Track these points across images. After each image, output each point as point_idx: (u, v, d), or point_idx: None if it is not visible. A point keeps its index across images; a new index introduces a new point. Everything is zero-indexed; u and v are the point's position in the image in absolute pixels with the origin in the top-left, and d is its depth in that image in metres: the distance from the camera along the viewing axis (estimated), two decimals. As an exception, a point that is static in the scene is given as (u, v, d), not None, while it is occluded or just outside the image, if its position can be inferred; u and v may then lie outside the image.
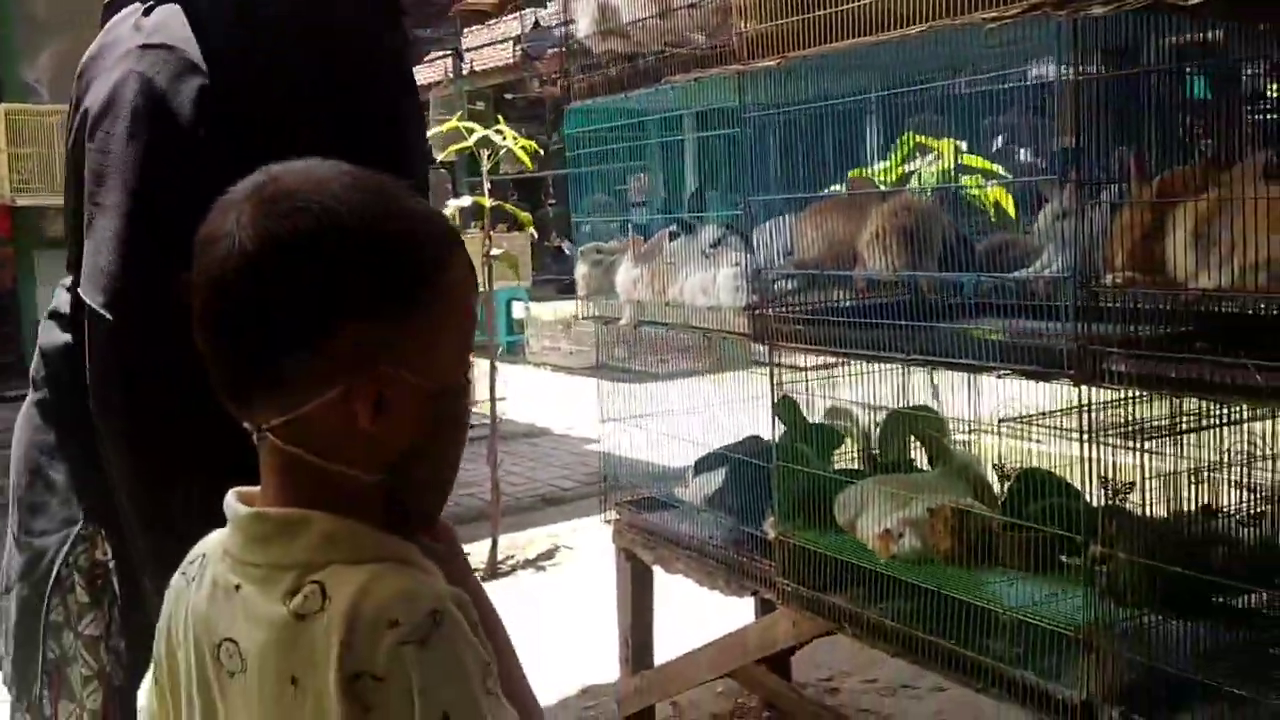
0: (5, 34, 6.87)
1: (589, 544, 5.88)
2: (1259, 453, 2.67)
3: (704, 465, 3.38)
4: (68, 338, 1.65)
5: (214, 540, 1.13)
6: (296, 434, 1.03)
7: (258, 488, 1.11)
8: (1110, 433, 2.39)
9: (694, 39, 3.25)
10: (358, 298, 1.01)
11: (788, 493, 2.91)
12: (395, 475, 1.07)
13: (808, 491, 2.91)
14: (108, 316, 1.44)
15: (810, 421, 3.21)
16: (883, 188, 3.78)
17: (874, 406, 3.37)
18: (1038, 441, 3.20)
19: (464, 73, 11.13)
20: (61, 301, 1.68)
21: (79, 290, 1.50)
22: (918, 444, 3.35)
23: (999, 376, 2.37)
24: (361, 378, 1.02)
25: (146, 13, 1.55)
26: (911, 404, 3.32)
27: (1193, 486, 2.59)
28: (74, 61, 6.29)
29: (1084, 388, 2.20)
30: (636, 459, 3.75)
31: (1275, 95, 2.66)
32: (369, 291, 1.01)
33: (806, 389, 3.24)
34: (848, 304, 2.77)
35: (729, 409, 4.06)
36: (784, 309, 2.84)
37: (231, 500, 1.10)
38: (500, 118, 6.82)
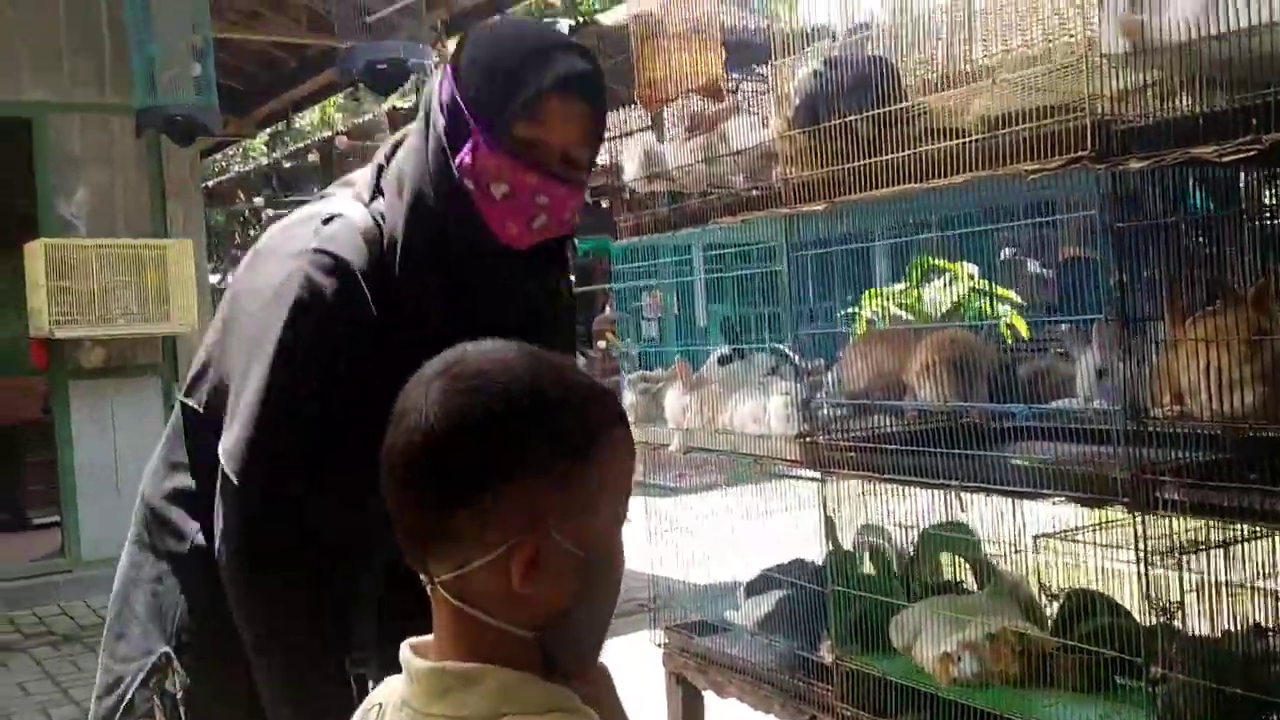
0: (42, 170, 7.08)
1: (630, 663, 5.88)
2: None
3: (755, 588, 3.46)
4: (170, 484, 1.74)
5: (391, 691, 1.22)
6: (463, 589, 1.13)
7: (428, 637, 1.21)
8: (1162, 555, 2.48)
9: (735, 182, 3.43)
10: (525, 466, 1.12)
11: (844, 616, 2.99)
12: (549, 632, 1.17)
13: (863, 615, 2.98)
14: (236, 483, 1.55)
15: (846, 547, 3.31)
16: (907, 316, 3.96)
17: (906, 525, 3.48)
18: (1074, 561, 3.29)
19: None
20: (175, 440, 1.76)
21: (218, 449, 1.60)
22: (957, 560, 3.45)
23: (1054, 503, 2.47)
24: (522, 539, 1.11)
25: (326, 221, 1.64)
26: (944, 520, 3.42)
27: (1240, 602, 2.67)
28: (109, 196, 6.45)
29: (1137, 514, 2.29)
30: (678, 579, 3.82)
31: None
32: (535, 461, 1.12)
33: (847, 505, 3.34)
34: (899, 430, 2.88)
35: (755, 520, 4.16)
36: (836, 436, 2.95)
37: (407, 653, 1.20)
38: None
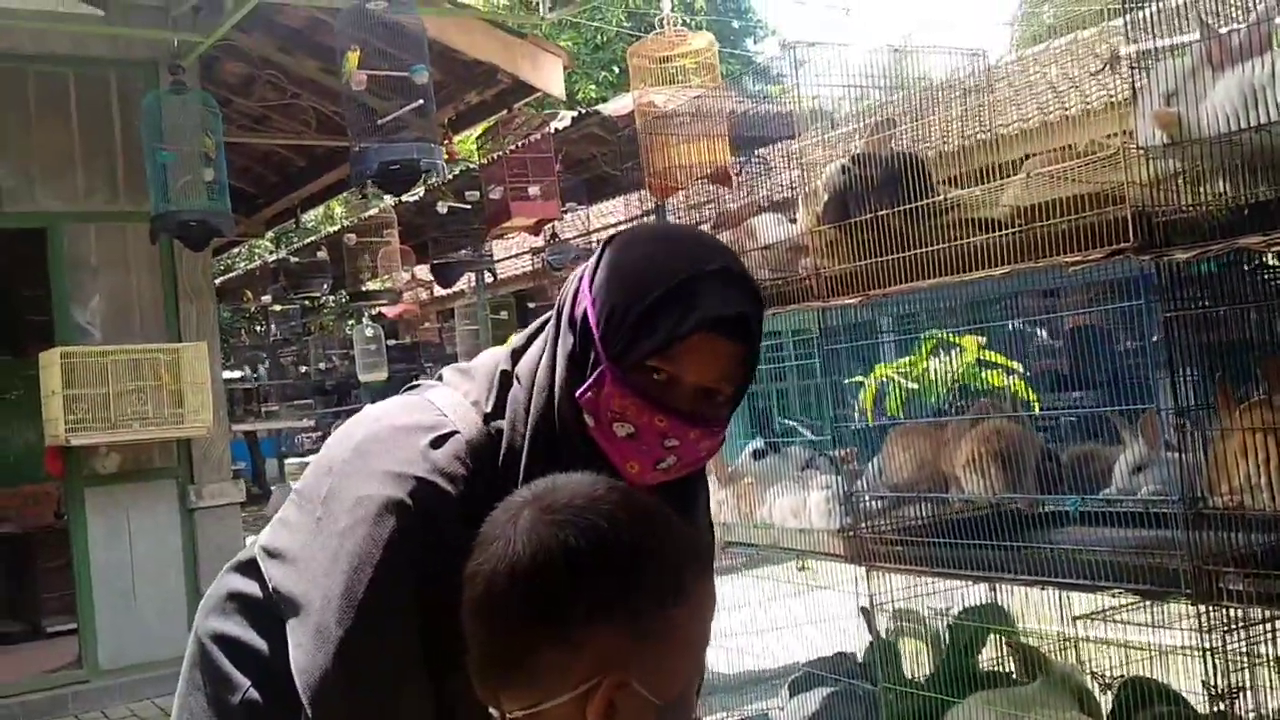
0: (58, 278, 7.11)
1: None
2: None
3: (799, 686, 3.41)
4: (225, 628, 1.61)
5: None
6: None
7: None
8: (1221, 638, 2.45)
9: (760, 275, 3.44)
10: (609, 611, 1.09)
11: (895, 713, 2.94)
12: None
13: (915, 711, 2.93)
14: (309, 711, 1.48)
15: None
16: (912, 385, 3.95)
17: (942, 612, 3.44)
18: (1120, 641, 3.25)
19: (486, 283, 11.48)
20: (241, 584, 1.63)
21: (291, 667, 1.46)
22: (1002, 646, 3.40)
23: (1113, 596, 2.44)
24: (602, 684, 1.08)
25: (437, 443, 1.46)
26: (977, 604, 3.39)
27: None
28: (125, 302, 6.43)
29: (1201, 606, 2.26)
30: (718, 670, 3.78)
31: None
32: (620, 606, 1.09)
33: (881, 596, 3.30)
34: (943, 521, 2.85)
35: (783, 603, 4.10)
36: (879, 530, 2.93)
37: None
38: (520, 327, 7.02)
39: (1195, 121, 2.15)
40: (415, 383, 1.69)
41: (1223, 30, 2.16)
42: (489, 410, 1.51)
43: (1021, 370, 4.04)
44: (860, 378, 3.76)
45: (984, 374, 3.97)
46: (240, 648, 1.58)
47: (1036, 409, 3.87)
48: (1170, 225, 2.23)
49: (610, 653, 1.08)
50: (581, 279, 1.45)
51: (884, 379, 3.80)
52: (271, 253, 15.90)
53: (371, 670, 1.43)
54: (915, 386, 3.92)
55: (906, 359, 4.03)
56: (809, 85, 3.23)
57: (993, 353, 3.90)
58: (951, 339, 4.02)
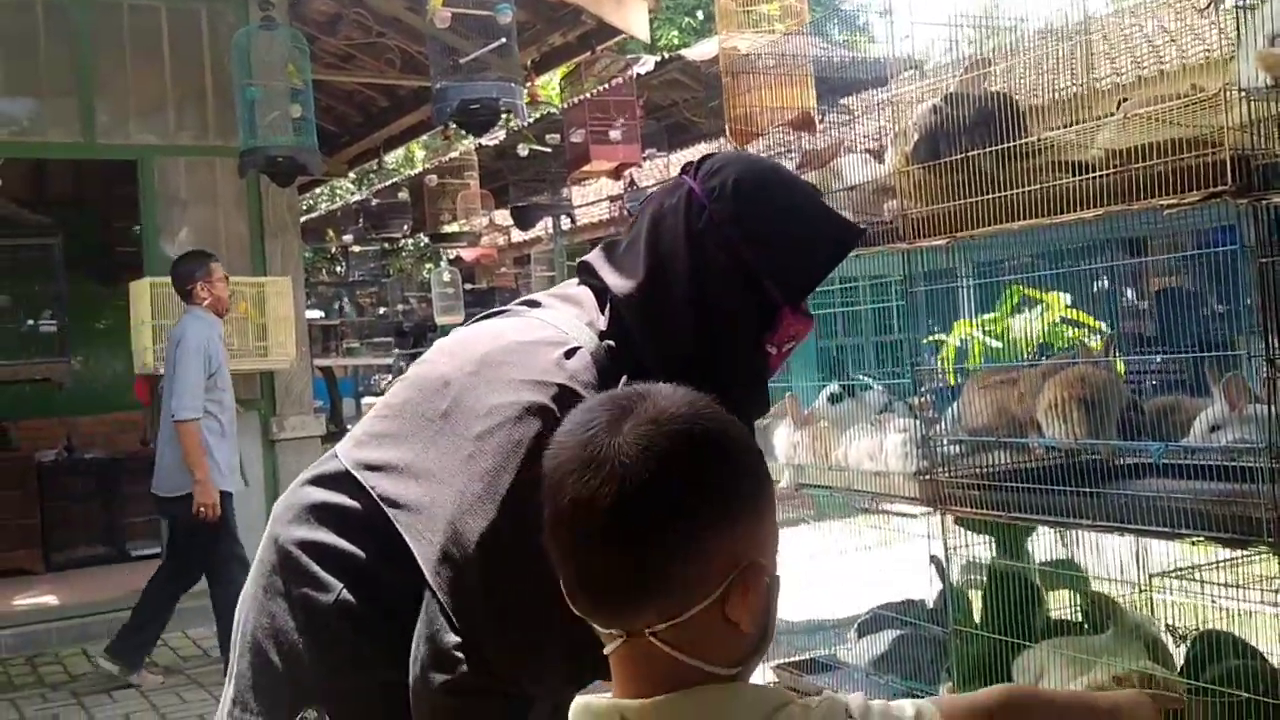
0: (148, 210, 7.27)
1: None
2: None
3: (867, 628, 3.43)
4: (313, 535, 1.59)
5: None
6: (676, 636, 1.11)
7: (605, 696, 1.20)
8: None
9: (846, 216, 3.42)
10: (731, 509, 1.12)
11: (965, 656, 2.95)
12: (743, 664, 1.18)
13: (984, 655, 2.94)
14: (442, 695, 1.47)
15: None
16: (995, 343, 3.91)
17: (1018, 564, 3.43)
18: (1193, 599, 3.21)
19: (564, 229, 11.52)
20: (325, 495, 1.62)
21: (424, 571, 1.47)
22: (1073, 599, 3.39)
23: (1193, 543, 2.41)
24: (734, 579, 1.10)
25: (569, 354, 1.53)
26: (1051, 559, 3.37)
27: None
28: (212, 235, 6.58)
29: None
30: (784, 616, 3.80)
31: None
32: (738, 501, 1.13)
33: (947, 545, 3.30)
34: (1021, 468, 2.84)
35: (850, 556, 4.10)
36: (957, 474, 2.92)
37: (603, 703, 1.19)
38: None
39: (1302, 62, 2.10)
40: (504, 309, 1.71)
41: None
42: (603, 329, 1.57)
43: (1106, 330, 3.98)
44: (940, 335, 3.73)
45: (1068, 332, 3.92)
46: (330, 553, 1.57)
47: (1121, 370, 3.83)
48: (1269, 169, 2.19)
49: (738, 549, 1.12)
50: (703, 218, 1.55)
51: (966, 337, 3.77)
52: (353, 193, 16.08)
53: (515, 565, 1.42)
54: (999, 345, 3.89)
55: (989, 315, 4.00)
56: (900, 30, 3.20)
57: (1078, 311, 3.85)
58: (1035, 295, 3.98)
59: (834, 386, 3.42)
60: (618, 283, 1.59)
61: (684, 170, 1.63)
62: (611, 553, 1.12)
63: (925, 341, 3.59)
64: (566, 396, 1.47)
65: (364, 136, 10.38)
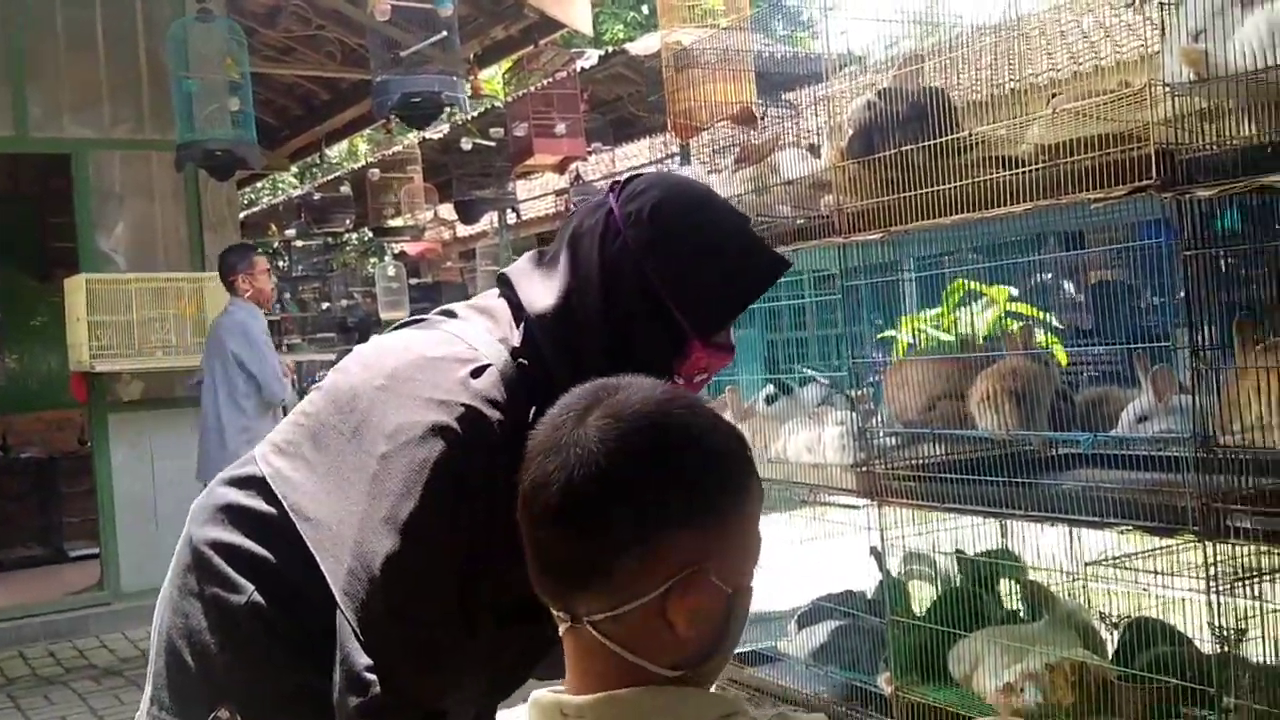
0: (83, 205, 7.15)
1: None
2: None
3: (807, 619, 3.45)
4: (225, 537, 1.59)
5: None
6: (614, 629, 1.11)
7: (557, 685, 1.21)
8: (1229, 582, 2.47)
9: (782, 211, 3.45)
10: (689, 507, 1.11)
11: (902, 646, 2.98)
12: (688, 669, 1.17)
13: (921, 645, 2.97)
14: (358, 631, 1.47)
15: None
16: (944, 337, 3.95)
17: (954, 554, 3.48)
18: (1128, 588, 3.27)
19: (509, 224, 11.47)
20: (241, 498, 1.62)
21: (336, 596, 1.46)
22: (1010, 588, 3.43)
23: (1121, 532, 2.45)
24: (682, 582, 1.10)
25: (477, 374, 1.50)
26: (988, 549, 3.42)
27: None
28: (149, 230, 6.46)
29: (1207, 543, 2.28)
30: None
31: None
32: (700, 503, 1.11)
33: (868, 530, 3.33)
34: (956, 459, 2.87)
35: (792, 549, 4.12)
36: (893, 465, 2.95)
37: (550, 696, 1.19)
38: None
39: (1222, 59, 2.14)
40: (421, 317, 1.70)
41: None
42: (516, 346, 1.55)
43: (1049, 321, 4.04)
44: (890, 332, 3.76)
45: (1014, 325, 3.97)
46: (242, 555, 1.57)
47: (1064, 361, 3.88)
48: (1193, 164, 2.23)
49: (690, 551, 1.10)
50: (620, 239, 1.54)
51: (915, 331, 3.80)
52: (295, 188, 15.90)
53: (421, 590, 1.44)
54: (949, 338, 3.93)
55: (935, 310, 4.04)
56: (839, 26, 3.22)
57: (1023, 304, 3.90)
58: (979, 288, 4.02)
59: (770, 388, 3.43)
60: (532, 300, 1.57)
61: (610, 188, 1.61)
62: (558, 536, 1.12)
63: (879, 338, 3.61)
64: (471, 416, 1.46)
65: (305, 130, 10.27)
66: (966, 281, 3.98)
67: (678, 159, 9.02)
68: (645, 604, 1.10)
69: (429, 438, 1.45)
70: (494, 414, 1.47)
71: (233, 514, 1.61)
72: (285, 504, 1.54)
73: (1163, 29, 2.28)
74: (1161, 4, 2.28)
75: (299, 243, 13.79)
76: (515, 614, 1.33)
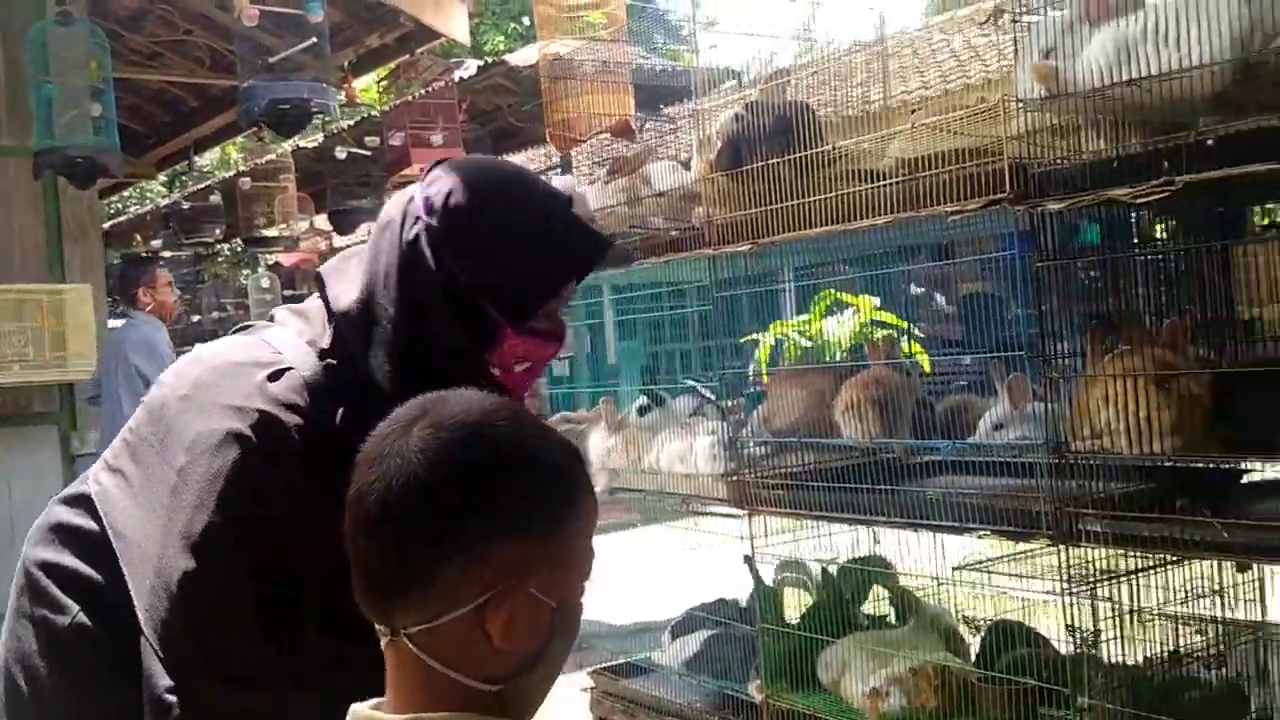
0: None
1: (556, 709, 5.81)
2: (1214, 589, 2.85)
3: (680, 629, 3.46)
4: (53, 556, 1.54)
5: None
6: (430, 641, 1.10)
7: (378, 701, 1.18)
8: (1083, 584, 2.55)
9: (655, 223, 3.46)
10: (510, 520, 1.10)
11: (772, 654, 3.00)
12: (509, 684, 1.16)
13: (791, 652, 3.00)
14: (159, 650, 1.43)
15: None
16: (806, 343, 4.02)
17: (827, 561, 3.53)
18: (994, 591, 3.36)
19: (385, 236, 11.28)
20: (71, 516, 1.57)
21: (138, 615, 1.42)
22: (879, 593, 3.49)
23: (979, 537, 2.51)
24: (500, 594, 1.09)
25: (274, 377, 1.46)
26: (865, 555, 3.47)
27: (1159, 629, 2.75)
28: (4, 240, 6.20)
29: (1061, 547, 2.35)
30: (600, 620, 3.81)
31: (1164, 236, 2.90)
32: (521, 514, 1.11)
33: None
34: (825, 467, 2.91)
35: (674, 559, 4.13)
36: (762, 474, 2.97)
37: (366, 712, 1.17)
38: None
39: (1071, 76, 2.21)
40: (247, 323, 1.67)
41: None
42: (325, 347, 1.51)
43: (912, 330, 4.13)
44: (756, 335, 3.81)
45: (878, 334, 4.05)
46: (69, 575, 1.53)
47: (927, 366, 3.97)
48: (1045, 177, 2.29)
49: (510, 563, 1.09)
50: (416, 232, 1.47)
51: (781, 337, 3.86)
52: (164, 196, 15.43)
53: (218, 605, 1.40)
54: (810, 344, 3.99)
55: (803, 317, 4.10)
56: (708, 41, 3.25)
57: (887, 314, 3.98)
58: (846, 298, 4.10)
59: (642, 399, 3.44)
60: (337, 297, 1.52)
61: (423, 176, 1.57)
62: (376, 546, 1.11)
63: (743, 340, 3.64)
64: (266, 421, 1.42)
65: (173, 137, 9.96)
66: (835, 291, 4.06)
67: (559, 170, 9.01)
68: (462, 615, 1.09)
69: (223, 446, 1.42)
70: (292, 419, 1.43)
71: (63, 533, 1.56)
72: (105, 521, 1.50)
73: (1015, 46, 2.34)
74: (1014, 21, 2.35)
75: (167, 253, 13.40)
76: (348, 630, 1.29)
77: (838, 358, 3.73)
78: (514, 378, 1.54)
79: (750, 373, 3.68)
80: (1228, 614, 2.86)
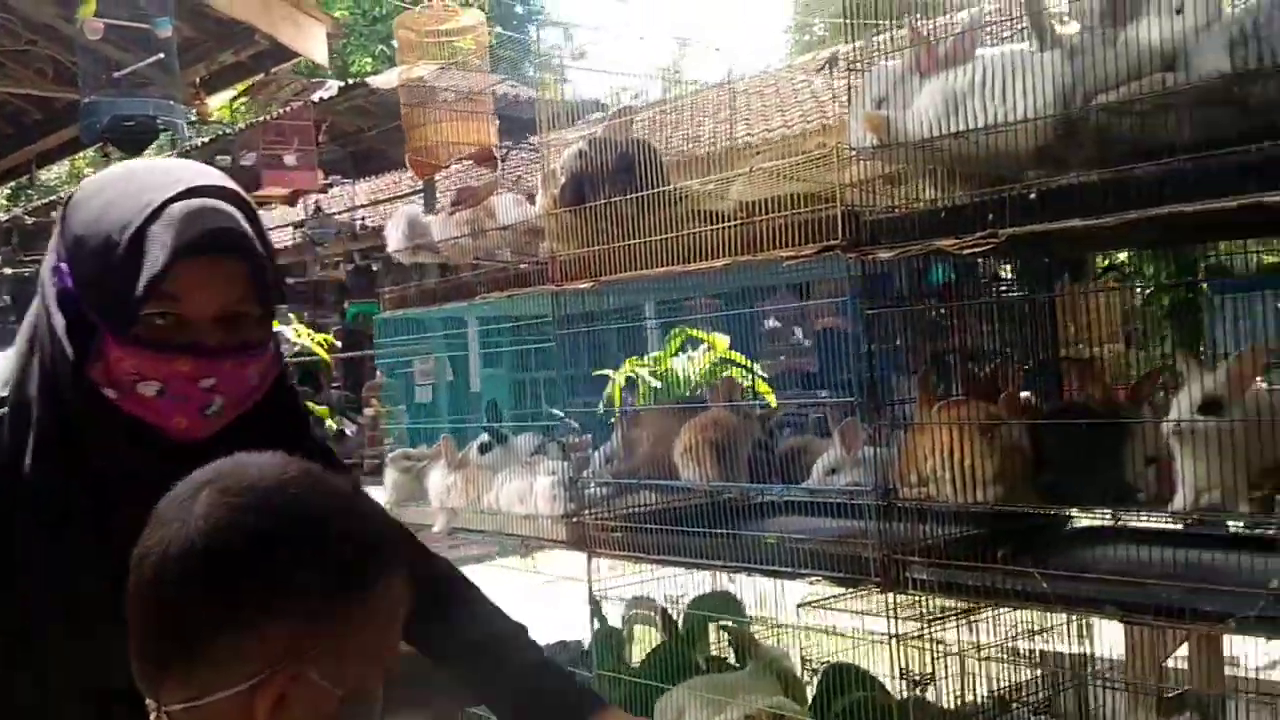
0: None
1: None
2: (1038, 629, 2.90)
3: None
4: None
5: None
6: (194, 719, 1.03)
7: None
8: (912, 632, 2.56)
9: (503, 255, 3.40)
10: (287, 598, 1.02)
11: (611, 701, 2.94)
12: None
13: (630, 697, 2.95)
14: None
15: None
16: (655, 383, 4.00)
17: (676, 599, 3.50)
18: (834, 630, 3.37)
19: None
20: None
21: None
22: (722, 635, 3.48)
23: (811, 583, 2.50)
24: (274, 675, 1.01)
25: None
26: (712, 591, 3.46)
27: (987, 671, 2.78)
28: None
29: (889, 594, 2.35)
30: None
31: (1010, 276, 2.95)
32: (300, 594, 1.03)
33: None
34: (667, 508, 2.88)
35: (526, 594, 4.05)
36: (600, 516, 2.93)
37: None
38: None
39: (902, 126, 2.22)
40: None
41: (932, 37, 2.24)
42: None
43: (759, 370, 4.15)
44: (608, 372, 3.76)
45: (729, 372, 4.05)
46: None
47: (773, 403, 3.98)
48: (877, 225, 2.31)
49: (286, 643, 1.02)
50: (53, 250, 1.34)
51: (632, 374, 3.82)
52: (5, 210, 14.78)
53: None
54: (659, 385, 3.97)
55: (655, 354, 4.07)
56: (572, 74, 3.22)
57: (736, 353, 3.98)
58: (700, 335, 4.09)
59: (484, 436, 3.36)
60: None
61: None
62: (145, 611, 1.05)
63: (597, 375, 3.60)
64: None
65: (14, 150, 9.54)
66: (688, 328, 4.05)
67: (423, 195, 8.88)
68: (232, 696, 1.01)
69: None
70: None
71: None
72: None
73: (850, 94, 2.36)
74: (849, 69, 2.37)
75: (7, 270, 12.83)
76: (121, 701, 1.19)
77: (688, 395, 3.71)
78: (146, 405, 1.30)
79: (600, 409, 3.63)
80: (1061, 650, 2.92)
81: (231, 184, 1.39)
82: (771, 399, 3.94)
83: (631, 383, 3.78)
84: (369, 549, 1.09)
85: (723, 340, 4.02)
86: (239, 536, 1.02)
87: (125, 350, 1.28)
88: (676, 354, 4.11)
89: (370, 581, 1.07)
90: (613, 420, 3.36)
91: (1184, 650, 2.77)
